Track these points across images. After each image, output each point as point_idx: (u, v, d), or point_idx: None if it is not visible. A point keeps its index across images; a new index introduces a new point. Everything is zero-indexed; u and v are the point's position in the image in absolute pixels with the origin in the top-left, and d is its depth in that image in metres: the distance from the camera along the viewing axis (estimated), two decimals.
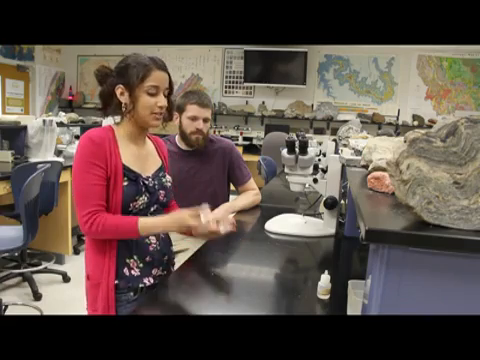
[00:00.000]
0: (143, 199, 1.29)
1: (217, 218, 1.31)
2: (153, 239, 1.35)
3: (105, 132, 1.28)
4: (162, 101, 1.26)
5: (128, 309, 1.26)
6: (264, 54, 6.39)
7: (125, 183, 1.25)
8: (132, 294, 1.29)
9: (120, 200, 1.24)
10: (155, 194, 1.34)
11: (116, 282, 1.27)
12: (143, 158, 1.34)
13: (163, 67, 1.27)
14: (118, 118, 1.34)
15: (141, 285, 1.30)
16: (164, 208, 1.43)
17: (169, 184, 1.42)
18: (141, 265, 1.31)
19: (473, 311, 0.67)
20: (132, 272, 1.29)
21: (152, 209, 1.35)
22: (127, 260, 1.29)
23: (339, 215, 1.77)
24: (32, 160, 3.19)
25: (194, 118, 1.86)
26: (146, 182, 1.31)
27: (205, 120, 1.88)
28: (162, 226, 1.28)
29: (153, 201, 1.33)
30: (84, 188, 1.21)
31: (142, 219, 1.23)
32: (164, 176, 1.41)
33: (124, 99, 1.25)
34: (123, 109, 1.26)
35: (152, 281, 1.33)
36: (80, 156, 1.23)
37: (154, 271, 1.34)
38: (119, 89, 1.25)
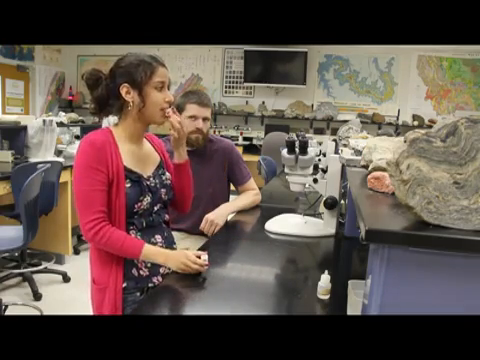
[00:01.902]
0: (147, 199, 1.29)
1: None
2: (159, 238, 1.35)
3: (105, 135, 1.26)
4: (169, 96, 1.28)
5: None
6: (264, 54, 6.39)
7: (128, 185, 1.25)
8: (138, 294, 1.29)
9: (124, 202, 1.24)
10: (157, 193, 1.34)
11: (124, 285, 1.27)
12: (142, 157, 1.34)
13: (163, 63, 1.29)
14: (113, 119, 1.33)
15: (150, 284, 1.31)
16: (166, 207, 1.43)
17: (169, 182, 1.42)
18: (149, 265, 1.31)
19: (473, 311, 0.67)
20: (141, 272, 1.30)
21: (156, 208, 1.35)
22: (135, 261, 1.29)
23: (339, 215, 1.77)
24: (32, 160, 3.18)
25: (194, 117, 1.86)
26: (148, 182, 1.31)
27: (205, 119, 1.87)
28: (163, 259, 1.25)
29: (156, 200, 1.34)
30: (87, 194, 1.20)
31: (147, 246, 1.24)
32: (163, 174, 1.41)
33: (130, 98, 1.24)
34: (128, 108, 1.25)
35: (160, 280, 1.32)
36: (82, 161, 1.21)
37: (162, 269, 1.34)
38: (124, 88, 1.23)
